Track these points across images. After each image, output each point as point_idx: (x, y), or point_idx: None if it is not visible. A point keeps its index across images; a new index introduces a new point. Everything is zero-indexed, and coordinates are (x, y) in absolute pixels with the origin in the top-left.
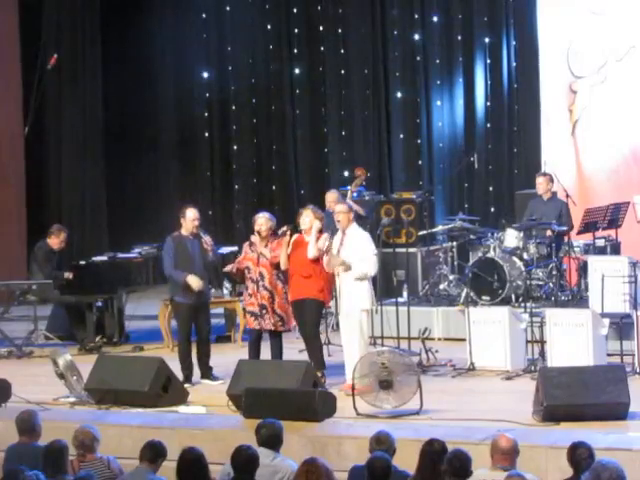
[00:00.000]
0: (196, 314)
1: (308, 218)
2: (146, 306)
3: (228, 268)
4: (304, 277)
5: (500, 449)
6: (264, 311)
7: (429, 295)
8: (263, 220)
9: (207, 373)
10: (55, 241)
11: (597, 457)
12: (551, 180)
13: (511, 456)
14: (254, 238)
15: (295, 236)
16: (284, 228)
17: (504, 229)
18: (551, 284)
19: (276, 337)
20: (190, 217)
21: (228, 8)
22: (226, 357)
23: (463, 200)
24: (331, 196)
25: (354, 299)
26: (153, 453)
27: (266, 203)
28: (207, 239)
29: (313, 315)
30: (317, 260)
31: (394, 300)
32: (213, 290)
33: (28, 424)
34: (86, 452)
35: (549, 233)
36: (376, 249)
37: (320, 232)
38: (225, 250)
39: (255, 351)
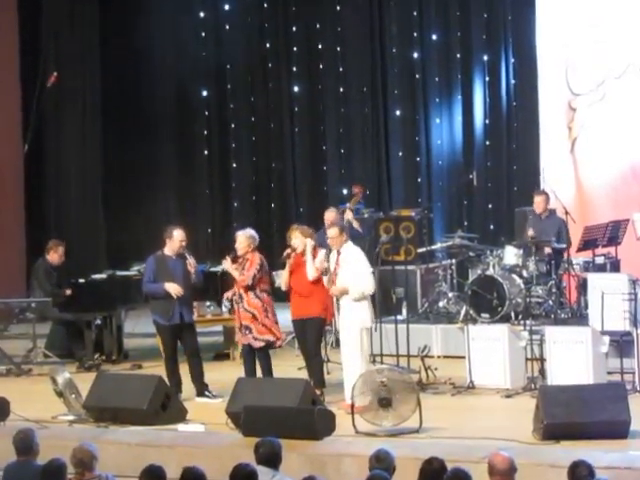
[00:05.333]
0: (180, 334)
1: (298, 239)
2: (145, 324)
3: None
4: (305, 297)
5: (497, 470)
6: (247, 331)
7: (428, 313)
8: (242, 238)
9: (202, 391)
10: (55, 256)
11: (597, 475)
12: (548, 198)
13: (509, 475)
14: (224, 262)
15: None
16: (288, 251)
17: (503, 246)
18: (551, 302)
19: (262, 352)
20: (178, 238)
21: (227, 26)
22: (225, 375)
23: (462, 217)
24: (329, 215)
25: (354, 317)
26: (153, 478)
27: (265, 220)
28: (192, 261)
29: (315, 333)
30: (318, 279)
31: (393, 318)
32: (211, 308)
33: (25, 444)
34: (85, 470)
35: (548, 251)
36: (371, 266)
37: (315, 249)
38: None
39: (250, 364)
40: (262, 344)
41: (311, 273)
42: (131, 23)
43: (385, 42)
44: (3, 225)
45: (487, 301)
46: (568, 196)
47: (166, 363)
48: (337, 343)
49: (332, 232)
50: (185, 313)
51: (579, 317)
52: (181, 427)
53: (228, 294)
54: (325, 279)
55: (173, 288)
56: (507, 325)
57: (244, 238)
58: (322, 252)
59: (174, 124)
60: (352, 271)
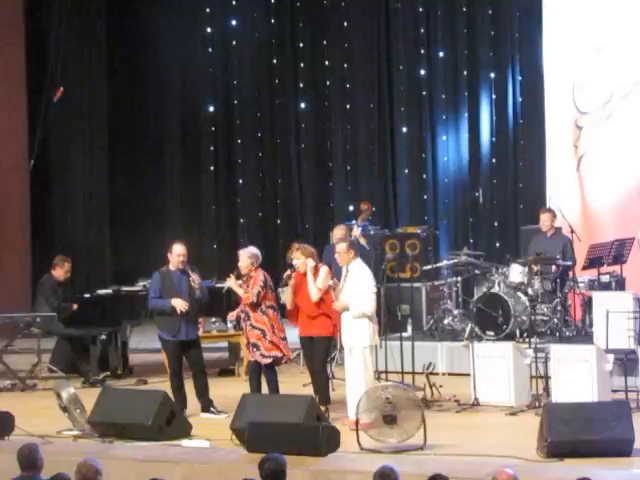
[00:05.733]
0: (185, 350)
1: (300, 260)
2: (150, 339)
3: (232, 316)
4: (312, 316)
5: None
6: (254, 348)
7: (433, 330)
8: (244, 257)
9: (207, 407)
10: (60, 272)
11: None
12: (554, 216)
13: None
14: (228, 280)
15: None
16: (288, 272)
17: (509, 264)
18: (556, 319)
19: (269, 368)
20: (176, 252)
21: (234, 42)
22: (230, 390)
23: (468, 235)
24: (339, 232)
25: (355, 335)
26: None
27: (271, 237)
28: (195, 277)
29: (322, 351)
30: (322, 299)
31: (398, 335)
32: (217, 324)
33: (29, 459)
34: None
35: (553, 269)
36: (376, 286)
37: (316, 268)
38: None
39: (256, 380)
40: (269, 360)
41: (314, 294)
42: (138, 39)
43: (392, 59)
44: (9, 240)
45: (492, 319)
46: (574, 214)
47: (171, 379)
48: (342, 360)
49: (340, 247)
50: (190, 329)
51: (584, 335)
52: (186, 443)
53: (232, 315)
54: (333, 294)
55: (179, 303)
56: (512, 343)
57: (246, 257)
58: (323, 269)
59: (180, 140)
60: (355, 288)
